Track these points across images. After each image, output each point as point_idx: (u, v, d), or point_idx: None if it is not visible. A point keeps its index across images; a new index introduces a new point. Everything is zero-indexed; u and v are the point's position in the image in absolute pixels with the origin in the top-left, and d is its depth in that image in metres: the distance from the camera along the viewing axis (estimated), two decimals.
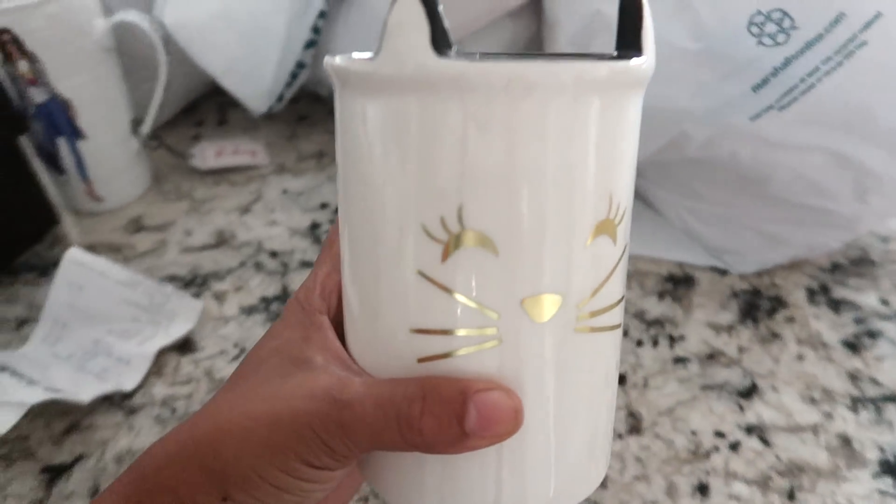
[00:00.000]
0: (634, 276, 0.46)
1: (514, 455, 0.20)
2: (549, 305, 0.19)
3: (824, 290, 0.44)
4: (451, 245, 0.18)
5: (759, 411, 0.37)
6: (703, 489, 0.34)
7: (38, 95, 0.50)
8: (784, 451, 0.35)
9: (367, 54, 0.18)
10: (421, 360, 0.19)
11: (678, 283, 0.45)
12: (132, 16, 0.51)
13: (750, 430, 0.36)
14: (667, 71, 0.39)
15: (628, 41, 0.19)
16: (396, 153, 0.18)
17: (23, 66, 0.48)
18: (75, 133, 0.52)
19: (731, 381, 0.39)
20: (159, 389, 0.42)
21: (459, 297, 0.19)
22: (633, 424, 0.37)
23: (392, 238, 0.19)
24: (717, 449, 0.35)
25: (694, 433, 0.36)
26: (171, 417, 0.40)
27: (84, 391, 0.40)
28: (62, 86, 0.50)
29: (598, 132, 0.18)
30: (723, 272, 0.46)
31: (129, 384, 0.42)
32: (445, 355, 0.19)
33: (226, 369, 0.42)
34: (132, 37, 0.56)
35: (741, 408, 0.37)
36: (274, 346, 0.22)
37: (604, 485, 0.34)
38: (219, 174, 0.61)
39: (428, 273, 0.19)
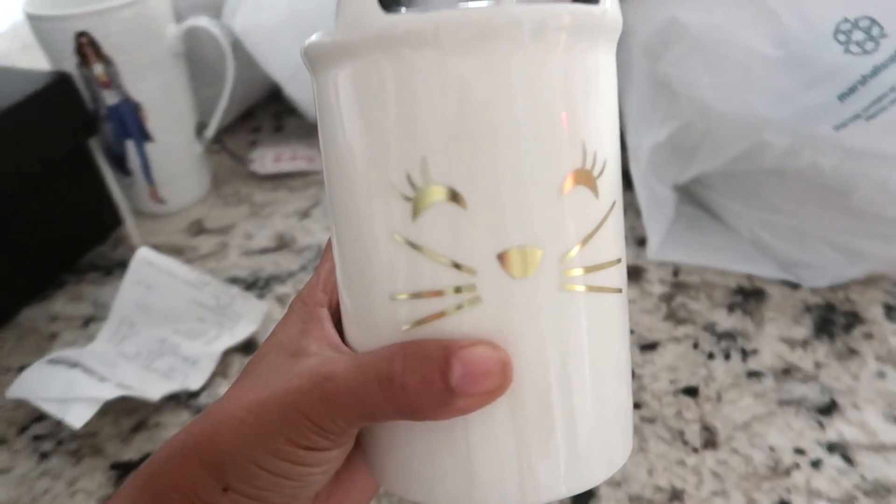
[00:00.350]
0: (702, 287, 0.45)
1: (521, 428, 0.19)
2: (527, 259, 0.18)
3: None
4: (420, 201, 0.18)
5: (840, 429, 0.36)
6: None
7: (110, 98, 0.51)
8: (869, 470, 0.34)
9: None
10: (405, 329, 0.19)
11: (748, 296, 0.44)
12: (203, 21, 0.52)
13: (832, 448, 0.35)
14: (747, 77, 0.38)
15: None
16: (358, 116, 0.19)
17: (98, 68, 0.49)
18: (144, 136, 0.53)
19: (808, 397, 0.38)
20: (224, 389, 0.42)
21: (434, 256, 0.18)
22: (708, 438, 0.36)
23: (365, 203, 0.19)
24: (797, 466, 0.34)
25: (772, 449, 0.35)
26: None
27: (153, 389, 0.40)
28: (134, 89, 0.51)
29: (562, 79, 0.18)
30: (794, 286, 0.45)
31: (195, 384, 0.42)
32: (426, 320, 0.19)
33: None
34: (197, 42, 0.57)
35: (821, 425, 0.36)
36: (274, 343, 0.22)
37: (680, 498, 0.33)
38: (277, 179, 0.61)
39: (401, 233, 0.18)
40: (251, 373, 0.22)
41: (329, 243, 0.25)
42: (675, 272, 0.47)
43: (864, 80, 0.35)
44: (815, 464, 0.34)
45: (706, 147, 0.42)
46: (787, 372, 0.39)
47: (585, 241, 0.19)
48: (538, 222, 0.18)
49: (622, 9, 0.21)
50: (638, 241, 0.49)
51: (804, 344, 0.41)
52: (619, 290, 0.20)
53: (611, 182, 0.20)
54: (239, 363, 0.44)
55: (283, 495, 0.20)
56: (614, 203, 0.20)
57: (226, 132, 0.67)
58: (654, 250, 0.47)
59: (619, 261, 0.20)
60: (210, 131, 0.57)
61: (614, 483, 0.34)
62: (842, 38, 0.35)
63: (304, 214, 0.57)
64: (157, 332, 0.45)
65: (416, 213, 0.18)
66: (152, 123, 0.53)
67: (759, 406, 0.37)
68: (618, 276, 0.20)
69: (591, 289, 0.19)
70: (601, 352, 0.20)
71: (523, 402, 0.19)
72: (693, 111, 0.41)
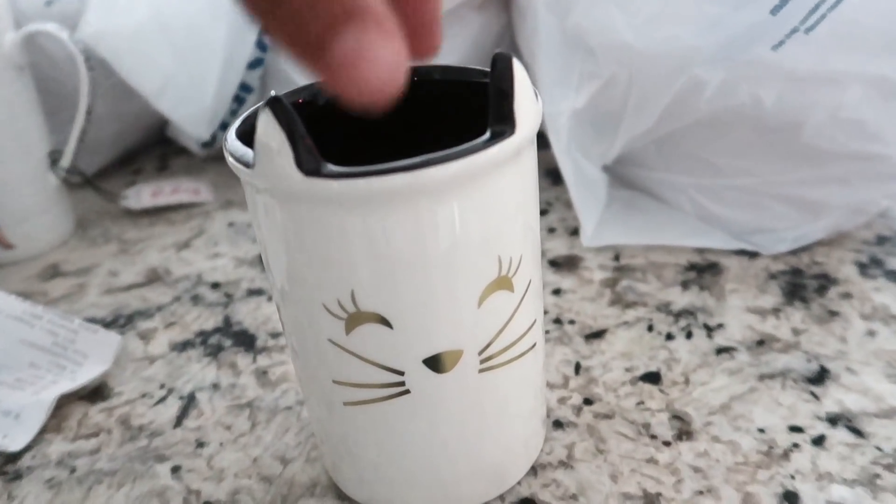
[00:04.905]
0: (648, 268, 0.38)
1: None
2: (448, 360, 0.21)
3: (876, 262, 0.37)
4: (351, 322, 0.20)
5: (839, 398, 0.29)
6: (790, 498, 0.25)
7: None
8: (886, 440, 0.27)
9: (250, 154, 0.19)
10: (346, 404, 0.22)
11: (702, 271, 0.38)
12: (48, 27, 0.44)
13: (834, 420, 0.28)
14: (667, 8, 0.33)
15: (501, 115, 0.19)
16: (291, 245, 0.20)
17: None
18: None
19: (794, 368, 0.31)
20: (57, 447, 0.32)
21: (365, 360, 0.21)
22: (681, 428, 0.28)
23: (304, 310, 0.21)
24: (797, 447, 0.27)
25: (762, 431, 0.28)
26: (69, 479, 0.30)
27: None
28: None
29: (467, 216, 0.19)
30: (752, 255, 0.38)
31: (15, 444, 0.32)
32: (365, 402, 0.22)
33: (147, 415, 0.33)
34: (50, 61, 0.50)
35: (815, 396, 0.29)
36: None
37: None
38: (155, 214, 0.53)
39: (336, 341, 0.21)
40: None
41: None
42: (616, 256, 0.40)
43: None
44: (818, 441, 0.27)
45: (632, 103, 0.37)
46: (762, 343, 0.32)
47: (501, 330, 0.21)
48: (458, 331, 0.21)
49: None
50: (571, 231, 0.43)
51: (776, 312, 0.34)
52: (533, 346, 0.23)
53: (526, 270, 0.21)
54: (80, 413, 0.34)
55: None
56: (528, 283, 0.22)
57: (100, 175, 0.59)
58: (588, 236, 0.40)
59: (533, 323, 0.23)
60: (66, 160, 0.49)
61: (569, 497, 0.26)
62: None
63: (184, 245, 0.48)
64: None
65: (348, 330, 0.20)
66: None
67: (736, 384, 0.30)
68: (532, 336, 0.23)
69: (506, 363, 0.22)
70: (515, 396, 0.24)
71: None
72: (613, 61, 0.36)
